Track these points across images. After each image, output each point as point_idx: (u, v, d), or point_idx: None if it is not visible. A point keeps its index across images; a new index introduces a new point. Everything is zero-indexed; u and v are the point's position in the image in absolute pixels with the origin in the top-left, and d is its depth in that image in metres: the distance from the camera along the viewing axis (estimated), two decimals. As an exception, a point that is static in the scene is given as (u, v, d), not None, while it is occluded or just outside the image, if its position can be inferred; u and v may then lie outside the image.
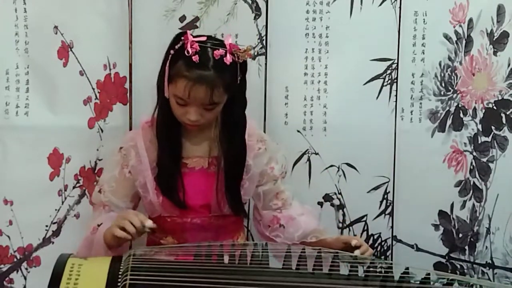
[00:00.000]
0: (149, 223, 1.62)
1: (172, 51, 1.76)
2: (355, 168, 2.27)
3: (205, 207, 1.86)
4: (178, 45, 1.75)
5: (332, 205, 2.29)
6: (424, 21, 2.24)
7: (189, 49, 1.71)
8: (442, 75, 2.27)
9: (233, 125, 1.85)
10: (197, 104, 1.74)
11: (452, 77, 2.27)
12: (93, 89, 2.11)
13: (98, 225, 1.73)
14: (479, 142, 2.31)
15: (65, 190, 2.11)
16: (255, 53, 2.19)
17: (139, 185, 1.85)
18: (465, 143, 2.31)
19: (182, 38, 1.75)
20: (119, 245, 1.66)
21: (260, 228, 1.96)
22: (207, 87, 1.71)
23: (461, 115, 2.30)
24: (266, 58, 2.20)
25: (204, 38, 1.76)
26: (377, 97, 2.26)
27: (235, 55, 1.75)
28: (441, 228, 2.33)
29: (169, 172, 1.84)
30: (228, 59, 1.73)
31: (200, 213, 1.86)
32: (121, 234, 1.60)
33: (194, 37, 1.75)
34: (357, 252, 1.71)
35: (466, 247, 2.35)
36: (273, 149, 1.95)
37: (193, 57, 1.70)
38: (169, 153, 1.84)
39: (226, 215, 1.88)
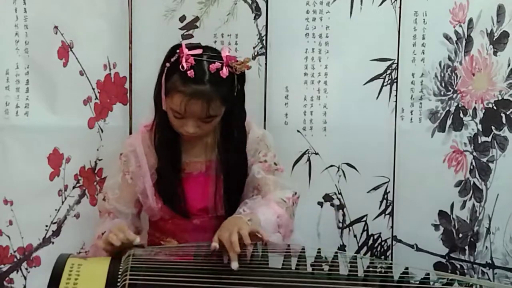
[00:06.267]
0: (137, 241, 1.59)
1: (167, 64, 1.74)
2: (355, 168, 2.27)
3: (203, 210, 1.87)
4: (174, 58, 1.73)
5: (332, 205, 2.29)
6: (424, 21, 2.24)
7: (184, 64, 1.69)
8: (442, 75, 2.27)
9: (231, 137, 1.83)
10: (194, 118, 1.73)
11: (452, 77, 2.27)
12: (93, 89, 2.11)
13: (102, 233, 1.73)
14: (479, 142, 2.31)
15: (65, 190, 2.11)
16: (255, 53, 2.19)
17: (139, 191, 1.85)
18: (465, 143, 2.31)
19: (177, 51, 1.73)
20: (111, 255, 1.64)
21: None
22: (203, 101, 1.69)
23: (461, 115, 2.30)
24: (266, 58, 2.20)
25: (199, 51, 1.73)
26: (377, 97, 2.26)
27: (232, 67, 1.72)
28: (441, 228, 2.33)
29: (169, 182, 1.83)
30: (225, 72, 1.70)
31: (199, 215, 1.87)
32: (105, 247, 1.59)
33: (189, 49, 1.72)
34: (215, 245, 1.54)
35: (466, 247, 2.34)
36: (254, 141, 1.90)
37: (188, 72, 1.68)
38: (168, 163, 1.83)
39: (225, 216, 1.88)
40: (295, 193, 1.84)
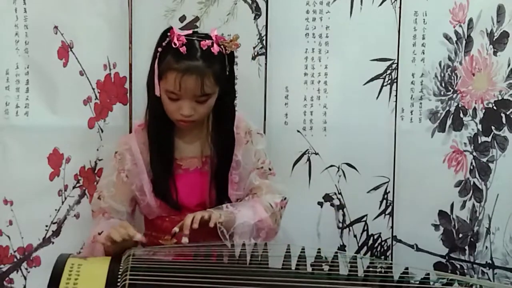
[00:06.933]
0: (138, 237, 1.63)
1: (159, 49, 1.77)
2: (355, 168, 2.27)
3: (200, 206, 1.87)
4: (165, 42, 1.76)
5: (332, 205, 2.29)
6: (424, 21, 2.24)
7: (176, 42, 1.73)
8: (442, 75, 2.27)
9: (224, 120, 1.86)
10: (189, 97, 1.75)
11: (452, 77, 2.27)
12: (93, 89, 2.11)
13: (99, 233, 1.73)
14: (479, 142, 2.31)
15: (65, 190, 2.11)
16: (255, 53, 2.19)
17: (136, 189, 1.86)
18: (465, 143, 2.31)
19: (168, 33, 1.77)
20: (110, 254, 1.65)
21: (233, 190, 1.93)
22: (197, 77, 1.72)
23: (461, 115, 2.30)
24: (266, 58, 2.20)
25: (190, 31, 1.79)
26: (377, 97, 2.26)
27: (222, 46, 1.77)
28: (441, 228, 2.33)
29: (162, 174, 1.84)
30: (216, 49, 1.74)
31: (196, 211, 1.86)
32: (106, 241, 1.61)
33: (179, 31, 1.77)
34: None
35: (466, 247, 2.35)
36: (258, 141, 1.95)
37: (180, 49, 1.72)
38: (161, 155, 1.84)
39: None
40: (284, 198, 1.91)
